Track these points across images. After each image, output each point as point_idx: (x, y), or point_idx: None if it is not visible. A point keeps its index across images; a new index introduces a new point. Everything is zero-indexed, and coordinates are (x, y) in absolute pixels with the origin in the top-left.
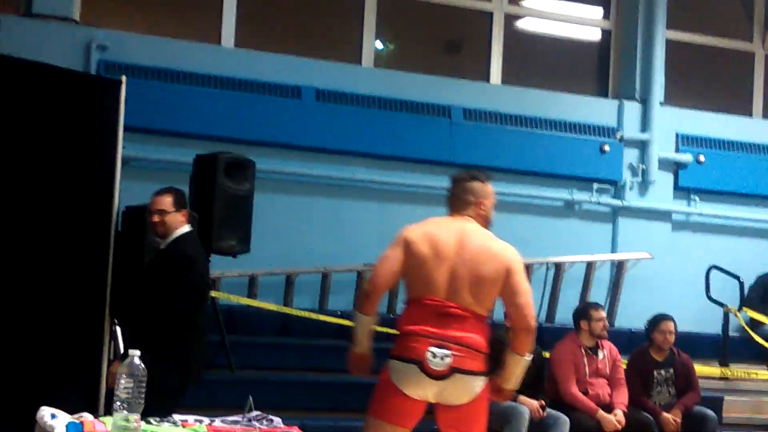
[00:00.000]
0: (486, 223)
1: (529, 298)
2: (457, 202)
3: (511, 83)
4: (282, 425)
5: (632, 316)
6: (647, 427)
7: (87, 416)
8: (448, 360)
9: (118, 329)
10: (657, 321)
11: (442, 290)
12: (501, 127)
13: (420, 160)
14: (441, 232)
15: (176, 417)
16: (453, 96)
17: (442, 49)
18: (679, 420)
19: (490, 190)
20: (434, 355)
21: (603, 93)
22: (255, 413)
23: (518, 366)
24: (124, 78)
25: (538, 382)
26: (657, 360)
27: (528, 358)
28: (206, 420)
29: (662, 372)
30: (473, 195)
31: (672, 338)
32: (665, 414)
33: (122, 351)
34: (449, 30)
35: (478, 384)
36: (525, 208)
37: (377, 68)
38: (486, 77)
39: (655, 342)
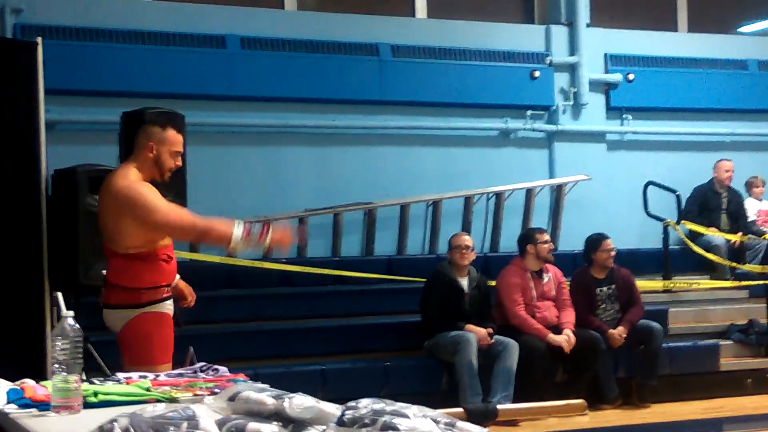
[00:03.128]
0: (155, 165)
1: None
2: (134, 146)
3: (436, 17)
4: (228, 374)
5: (574, 239)
6: (595, 344)
7: (28, 381)
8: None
9: (59, 294)
10: (597, 241)
11: (103, 234)
12: (430, 61)
13: (351, 100)
14: (105, 182)
15: (120, 375)
16: (380, 33)
17: None
18: (624, 335)
19: (170, 136)
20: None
21: (529, 19)
22: (200, 364)
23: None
24: (40, 39)
25: (485, 309)
26: (598, 278)
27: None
28: (151, 375)
29: (604, 289)
30: (144, 137)
31: (613, 255)
32: (611, 330)
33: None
34: None
35: (117, 316)
36: (460, 141)
37: (301, 11)
38: (412, 12)
39: (596, 262)
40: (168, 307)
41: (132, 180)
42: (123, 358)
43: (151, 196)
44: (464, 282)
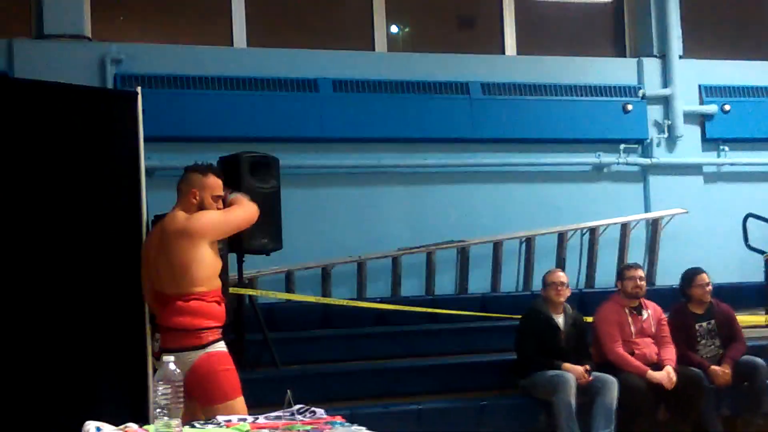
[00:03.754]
0: (199, 210)
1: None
2: (178, 194)
3: (527, 53)
4: (325, 416)
5: (673, 274)
6: (698, 382)
7: (132, 426)
8: (157, 344)
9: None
10: (691, 275)
11: (156, 281)
12: (521, 98)
13: (442, 139)
14: (158, 230)
15: (220, 418)
16: (470, 72)
17: (455, 27)
18: (728, 371)
19: (211, 182)
20: (156, 340)
21: (621, 52)
22: (298, 407)
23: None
24: (139, 89)
25: (581, 347)
26: (697, 313)
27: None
28: (250, 418)
29: (704, 325)
30: (186, 185)
31: (710, 290)
32: (714, 367)
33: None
34: (460, 7)
35: (185, 359)
36: (554, 176)
37: (391, 53)
38: (502, 50)
39: (693, 297)
40: (225, 346)
41: (188, 216)
42: (193, 401)
43: (213, 213)
44: (560, 319)
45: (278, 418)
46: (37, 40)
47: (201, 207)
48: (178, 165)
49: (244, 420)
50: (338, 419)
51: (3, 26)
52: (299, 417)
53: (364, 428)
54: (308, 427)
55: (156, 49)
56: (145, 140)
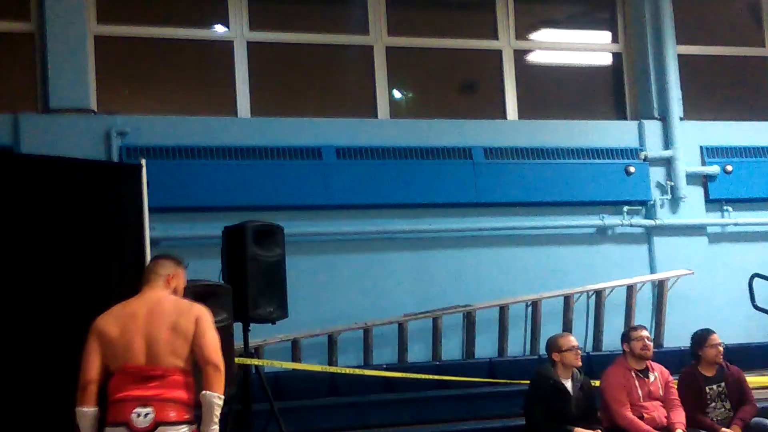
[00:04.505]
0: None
1: (215, 339)
2: (150, 275)
3: (528, 117)
4: None
5: (679, 335)
6: None
7: None
8: (151, 416)
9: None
10: (703, 336)
11: (141, 356)
12: (523, 161)
13: (446, 204)
14: (130, 308)
15: None
16: (472, 137)
17: (457, 92)
18: None
19: (181, 271)
20: (138, 415)
21: (621, 115)
22: None
23: (213, 406)
24: (143, 161)
25: (590, 412)
26: (707, 375)
27: (220, 398)
28: None
29: (714, 387)
30: (164, 269)
31: (722, 350)
32: (724, 429)
33: None
34: (462, 72)
35: (183, 430)
36: (558, 239)
37: (394, 119)
38: (503, 114)
39: (704, 358)
40: None
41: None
42: None
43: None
44: (569, 383)
45: None
46: (42, 114)
47: (178, 293)
48: (182, 235)
49: None
50: None
51: (9, 101)
52: None
53: None
54: None
55: (160, 120)
56: (150, 210)
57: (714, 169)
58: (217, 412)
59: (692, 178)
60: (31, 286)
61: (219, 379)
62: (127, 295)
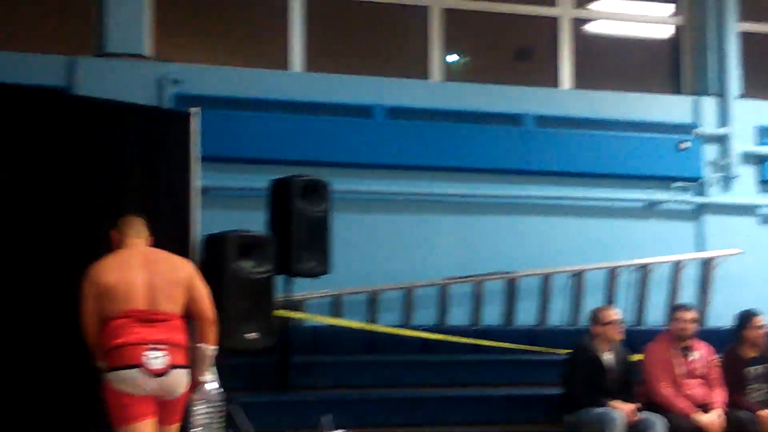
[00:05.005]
0: None
1: (208, 294)
2: (133, 230)
3: (581, 87)
4: None
5: (724, 315)
6: (745, 426)
7: None
8: (164, 359)
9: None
10: (746, 317)
11: (143, 301)
12: (575, 131)
13: (495, 170)
14: (123, 256)
15: None
16: (524, 104)
17: (511, 58)
18: None
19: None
20: (151, 357)
21: (677, 90)
22: (338, 431)
23: (208, 357)
24: (194, 110)
25: (627, 386)
26: (749, 356)
27: (215, 350)
28: None
29: (755, 368)
30: (144, 229)
31: (765, 332)
32: (764, 411)
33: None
34: (518, 38)
35: (187, 376)
36: (605, 212)
37: (446, 82)
38: (557, 83)
39: (747, 339)
40: None
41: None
42: (176, 416)
43: None
44: (608, 357)
45: None
46: (97, 57)
47: None
48: (230, 185)
49: None
50: None
51: (65, 43)
52: None
53: None
54: None
55: (213, 70)
56: (201, 160)
57: None
58: (209, 362)
59: (746, 158)
60: (76, 223)
61: (214, 332)
62: (171, 236)
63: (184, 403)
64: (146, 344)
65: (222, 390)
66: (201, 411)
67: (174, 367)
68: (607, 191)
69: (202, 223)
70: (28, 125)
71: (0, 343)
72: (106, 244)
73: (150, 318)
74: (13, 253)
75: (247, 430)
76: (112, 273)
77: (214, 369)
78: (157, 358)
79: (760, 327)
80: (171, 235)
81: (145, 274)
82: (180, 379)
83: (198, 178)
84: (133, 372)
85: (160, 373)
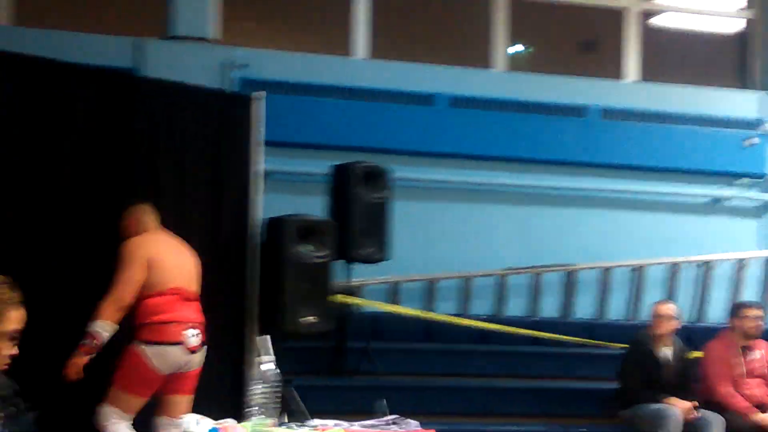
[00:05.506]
0: None
1: None
2: (150, 216)
3: (647, 80)
4: (419, 428)
5: None
6: None
7: (230, 421)
8: (200, 337)
9: (266, 338)
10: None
11: (182, 280)
12: (639, 124)
13: (557, 161)
14: (160, 237)
15: (316, 421)
16: (589, 96)
17: (576, 50)
18: None
19: None
20: (190, 336)
21: (744, 85)
22: (392, 417)
23: None
24: (258, 94)
25: (684, 383)
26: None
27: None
28: (345, 424)
29: None
30: (156, 214)
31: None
32: None
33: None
34: (583, 30)
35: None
36: (668, 207)
37: (509, 71)
38: (623, 75)
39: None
40: None
41: None
42: (194, 386)
43: None
44: (666, 352)
45: (373, 426)
46: (164, 40)
47: None
48: (293, 170)
49: (339, 425)
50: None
51: (133, 26)
52: (394, 427)
53: None
54: None
55: (277, 55)
56: (264, 144)
57: None
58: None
59: None
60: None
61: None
62: (231, 221)
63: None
64: (187, 323)
65: (278, 372)
66: (257, 391)
67: (204, 344)
68: (670, 186)
69: (263, 206)
70: (97, 105)
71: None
72: (171, 224)
73: (188, 297)
74: (80, 233)
75: (302, 412)
76: (156, 249)
77: (271, 351)
78: (194, 336)
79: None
80: (232, 218)
81: (178, 255)
82: (204, 355)
83: (260, 162)
84: (175, 349)
85: (194, 350)
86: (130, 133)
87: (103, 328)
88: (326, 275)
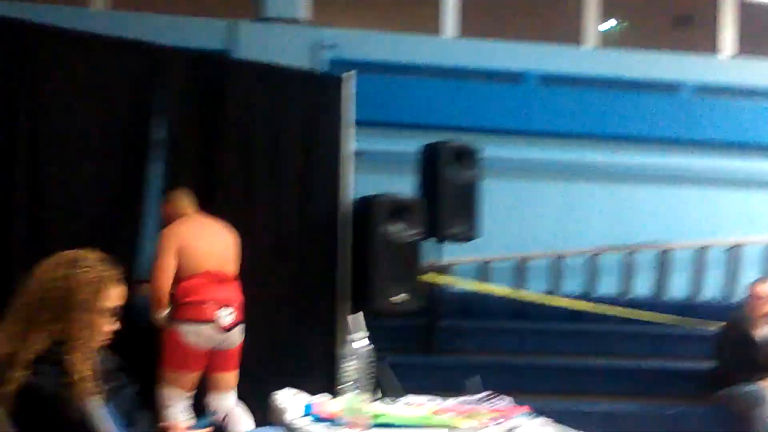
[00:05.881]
0: None
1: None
2: (185, 202)
3: (743, 55)
4: (513, 404)
5: None
6: None
7: (324, 397)
8: (233, 316)
9: (359, 316)
10: None
11: (216, 261)
12: (735, 101)
13: (650, 138)
14: (195, 222)
15: (411, 398)
16: (683, 72)
17: (670, 25)
18: None
19: None
20: (222, 315)
21: None
22: (485, 393)
23: None
24: (348, 74)
25: None
26: None
27: None
28: (439, 400)
29: None
30: (194, 198)
31: None
32: None
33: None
34: (677, 4)
35: (243, 330)
36: (763, 185)
37: (600, 48)
38: (717, 50)
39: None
40: None
41: None
42: (236, 363)
43: None
44: (762, 333)
45: (465, 403)
46: (256, 22)
47: None
48: (383, 149)
49: (434, 400)
50: (526, 409)
51: (226, 7)
52: (486, 404)
53: (550, 420)
54: (495, 414)
55: (367, 35)
56: (356, 124)
57: None
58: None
59: None
60: (235, 183)
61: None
62: (323, 200)
63: (240, 352)
64: (219, 303)
65: (372, 348)
66: (351, 367)
67: (240, 323)
68: (766, 163)
69: (357, 185)
70: (192, 88)
71: None
72: (262, 203)
73: (221, 279)
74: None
75: (396, 389)
76: (189, 235)
77: (364, 328)
78: (227, 316)
79: None
80: (323, 198)
81: (213, 239)
82: (241, 333)
83: (351, 142)
84: (207, 327)
85: (228, 329)
86: (224, 115)
87: (161, 317)
88: (416, 254)
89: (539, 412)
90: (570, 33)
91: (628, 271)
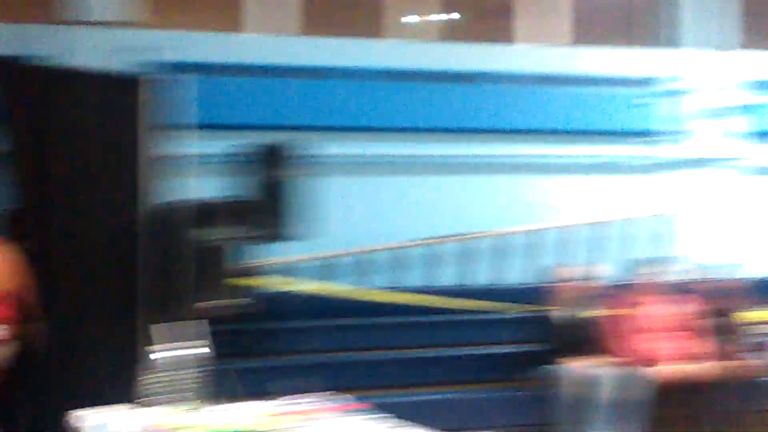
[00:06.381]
0: None
1: None
2: None
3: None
4: (352, 403)
5: None
6: None
7: (124, 410)
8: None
9: (162, 325)
10: None
11: None
12: (531, 89)
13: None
14: None
15: (239, 404)
16: (481, 62)
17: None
18: None
19: None
20: None
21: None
22: (326, 393)
23: None
24: (146, 76)
25: (582, 341)
26: None
27: None
28: (273, 403)
29: None
30: None
31: None
32: None
33: None
34: None
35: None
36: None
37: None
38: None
39: None
40: None
41: None
42: None
43: None
44: (569, 313)
45: (304, 403)
46: (65, 24)
47: None
48: (218, 152)
49: (258, 405)
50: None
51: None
52: (329, 404)
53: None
54: (308, 415)
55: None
56: (185, 127)
57: None
58: None
59: None
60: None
61: None
62: (124, 205)
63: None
64: None
65: (209, 354)
66: (152, 379)
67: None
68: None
69: (189, 190)
70: None
71: None
72: (60, 210)
73: None
74: None
75: (232, 395)
76: None
77: (177, 336)
78: None
79: None
80: (126, 204)
81: None
82: (8, 349)
83: (150, 146)
84: None
85: None
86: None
87: None
88: (226, 257)
89: (383, 407)
90: (369, 27)
91: (431, 262)
